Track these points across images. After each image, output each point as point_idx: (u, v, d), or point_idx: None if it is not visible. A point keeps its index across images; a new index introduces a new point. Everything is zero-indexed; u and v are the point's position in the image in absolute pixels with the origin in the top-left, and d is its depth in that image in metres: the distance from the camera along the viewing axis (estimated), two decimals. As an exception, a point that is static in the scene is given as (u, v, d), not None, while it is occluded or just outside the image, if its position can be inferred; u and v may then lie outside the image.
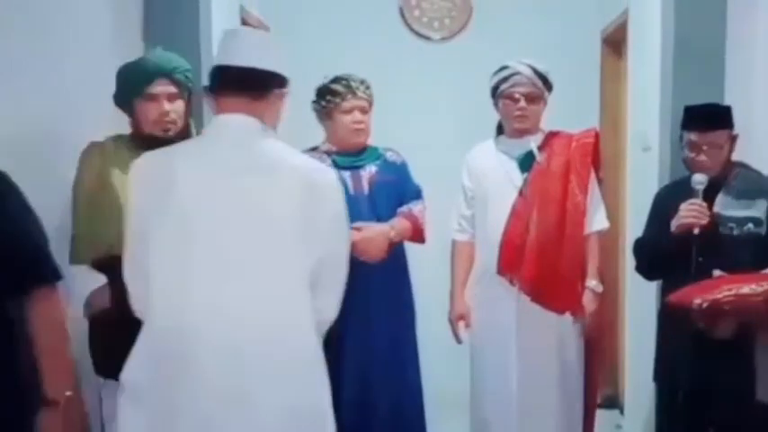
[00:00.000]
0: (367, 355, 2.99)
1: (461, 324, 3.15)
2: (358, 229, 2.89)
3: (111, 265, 2.40)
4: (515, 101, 3.01)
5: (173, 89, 2.49)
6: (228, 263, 1.93)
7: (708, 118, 2.61)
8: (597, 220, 3.05)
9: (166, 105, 2.47)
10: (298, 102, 4.24)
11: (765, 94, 2.87)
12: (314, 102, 3.07)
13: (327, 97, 3.02)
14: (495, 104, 3.10)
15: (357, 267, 2.88)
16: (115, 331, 2.38)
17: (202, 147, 2.08)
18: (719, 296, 2.30)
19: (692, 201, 2.54)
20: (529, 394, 3.00)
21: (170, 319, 1.93)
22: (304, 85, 4.20)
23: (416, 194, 3.15)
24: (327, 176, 2.08)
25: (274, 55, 2.09)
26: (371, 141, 3.13)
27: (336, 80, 3.03)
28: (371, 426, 3.01)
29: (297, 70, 4.77)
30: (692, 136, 2.61)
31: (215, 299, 1.91)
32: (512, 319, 3.00)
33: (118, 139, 2.52)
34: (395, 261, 3.05)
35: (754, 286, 2.29)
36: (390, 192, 3.07)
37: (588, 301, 3.01)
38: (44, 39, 2.56)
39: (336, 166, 2.96)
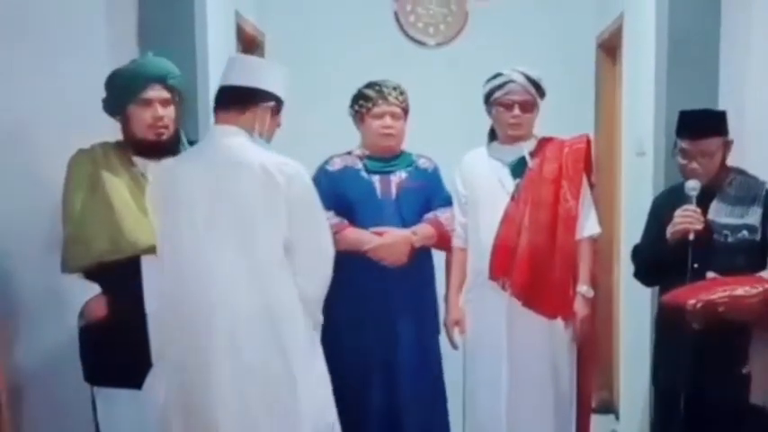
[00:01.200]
0: (392, 358, 3.02)
1: (456, 329, 3.16)
2: (380, 234, 2.93)
3: (104, 274, 2.41)
4: (509, 108, 3.02)
5: (166, 94, 2.51)
6: (209, 246, 2.35)
7: (699, 125, 2.60)
8: (588, 226, 3.05)
9: (161, 110, 2.49)
10: (297, 107, 4.29)
11: (759, 100, 2.88)
12: (350, 106, 3.12)
13: (360, 102, 3.08)
14: (488, 111, 3.11)
15: (378, 271, 2.95)
16: (107, 340, 2.39)
17: (196, 152, 2.52)
18: (714, 297, 2.31)
19: (686, 207, 2.55)
20: (520, 399, 3.00)
21: (170, 295, 2.39)
22: (301, 91, 4.24)
23: (446, 201, 3.16)
24: (287, 169, 2.39)
25: (263, 75, 2.50)
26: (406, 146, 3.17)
27: (370, 85, 3.08)
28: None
29: (293, 78, 4.81)
30: (684, 144, 2.61)
31: (203, 270, 2.36)
32: (502, 324, 3.00)
33: (105, 145, 2.53)
34: (418, 267, 3.07)
35: (748, 288, 2.31)
36: (418, 197, 3.10)
37: (579, 307, 3.01)
38: (40, 44, 2.57)
39: (367, 170, 3.05)
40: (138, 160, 2.51)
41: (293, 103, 4.29)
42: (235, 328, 2.34)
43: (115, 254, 2.39)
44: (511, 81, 3.01)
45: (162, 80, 2.50)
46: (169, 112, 2.52)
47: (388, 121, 3.05)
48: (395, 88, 3.08)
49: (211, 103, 3.32)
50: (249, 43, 4.28)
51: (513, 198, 3.02)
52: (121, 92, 2.49)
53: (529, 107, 3.04)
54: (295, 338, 2.41)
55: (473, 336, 3.12)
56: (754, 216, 2.53)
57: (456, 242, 3.16)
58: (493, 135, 3.17)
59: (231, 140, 2.41)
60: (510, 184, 3.04)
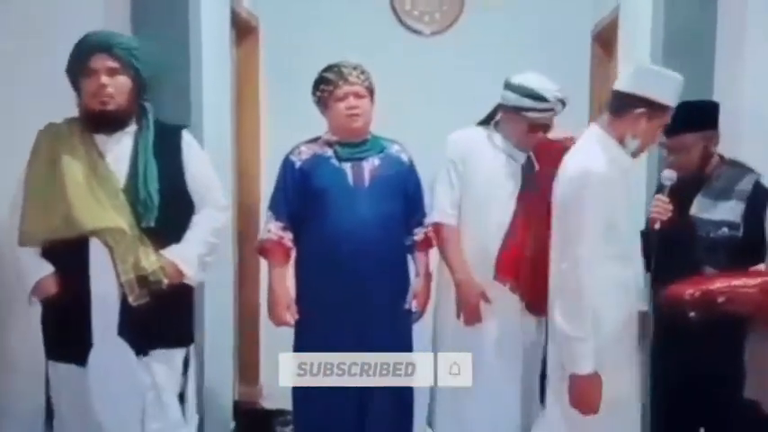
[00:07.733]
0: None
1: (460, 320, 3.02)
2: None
3: (56, 252, 2.45)
4: (536, 130, 2.96)
5: (112, 64, 2.46)
6: None
7: (674, 120, 2.52)
8: None
9: (104, 79, 2.45)
10: (291, 94, 4.27)
11: (754, 95, 2.88)
12: (312, 93, 3.03)
13: (321, 86, 2.99)
14: (502, 112, 3.01)
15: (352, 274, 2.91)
16: (55, 317, 2.47)
17: None
18: (713, 287, 2.34)
19: (658, 197, 2.55)
20: (534, 396, 2.99)
21: None
22: (296, 79, 4.21)
23: (423, 213, 3.10)
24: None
25: (641, 80, 2.44)
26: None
27: (328, 68, 2.99)
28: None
29: (287, 64, 4.77)
30: (662, 138, 2.60)
31: None
32: (516, 320, 2.99)
33: (72, 121, 2.52)
34: (396, 277, 3.05)
35: (746, 279, 2.34)
36: (393, 188, 3.00)
37: None
38: (32, 36, 2.55)
39: (338, 156, 2.95)
40: (98, 139, 2.50)
41: (288, 90, 4.31)
42: None
43: (65, 232, 2.41)
44: (552, 110, 2.92)
45: (106, 49, 2.46)
46: (116, 83, 2.47)
47: (352, 101, 2.94)
48: (355, 68, 2.98)
49: (204, 88, 3.32)
50: (243, 28, 4.25)
51: (521, 195, 2.96)
52: (71, 65, 2.47)
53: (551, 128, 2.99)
54: None
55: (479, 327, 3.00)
56: (733, 212, 2.52)
57: (449, 221, 3.02)
58: (490, 119, 3.08)
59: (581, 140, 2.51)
60: (520, 182, 2.98)
